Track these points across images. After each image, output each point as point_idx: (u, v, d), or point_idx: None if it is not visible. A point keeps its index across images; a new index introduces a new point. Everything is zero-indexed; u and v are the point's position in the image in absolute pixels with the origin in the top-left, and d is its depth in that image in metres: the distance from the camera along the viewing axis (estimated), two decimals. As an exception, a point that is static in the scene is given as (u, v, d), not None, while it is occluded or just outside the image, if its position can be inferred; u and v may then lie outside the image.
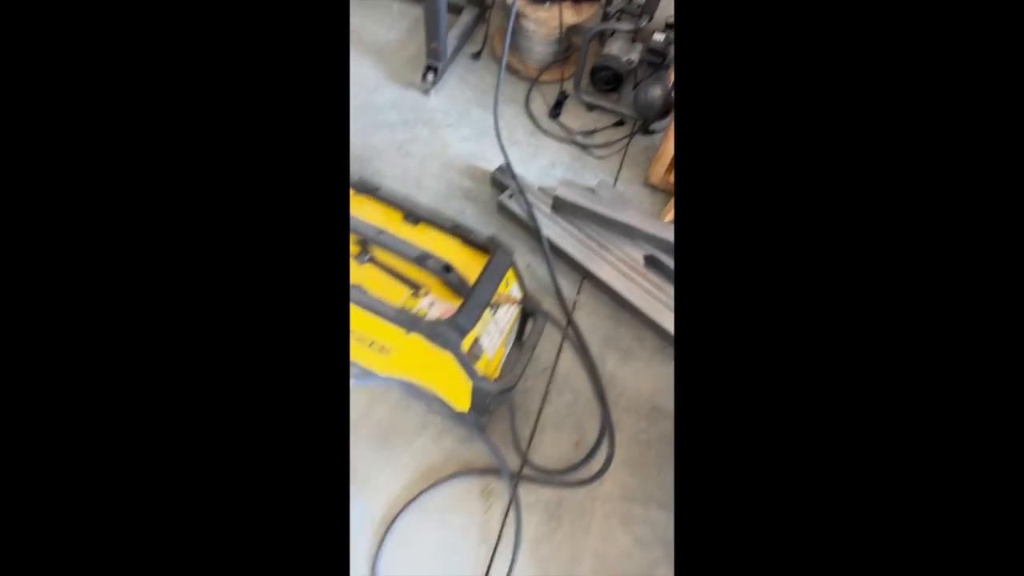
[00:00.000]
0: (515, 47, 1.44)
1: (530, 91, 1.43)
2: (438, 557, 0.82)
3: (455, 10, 1.49)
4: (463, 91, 1.41)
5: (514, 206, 1.17)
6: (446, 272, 0.71)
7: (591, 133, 1.37)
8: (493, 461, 0.89)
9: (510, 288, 0.77)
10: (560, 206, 1.16)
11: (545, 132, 1.36)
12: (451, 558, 0.82)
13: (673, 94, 1.28)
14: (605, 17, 1.33)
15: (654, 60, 1.30)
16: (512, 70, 1.46)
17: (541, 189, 1.21)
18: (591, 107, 1.41)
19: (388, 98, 1.37)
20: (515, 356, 0.80)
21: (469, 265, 0.74)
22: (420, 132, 1.32)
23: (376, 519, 0.84)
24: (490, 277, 0.70)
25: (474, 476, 0.89)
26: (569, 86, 1.44)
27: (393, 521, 0.83)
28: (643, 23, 1.27)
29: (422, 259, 0.72)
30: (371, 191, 0.81)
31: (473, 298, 0.69)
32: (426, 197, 1.21)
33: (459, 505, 0.86)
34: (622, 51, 1.33)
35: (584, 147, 1.34)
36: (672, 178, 1.23)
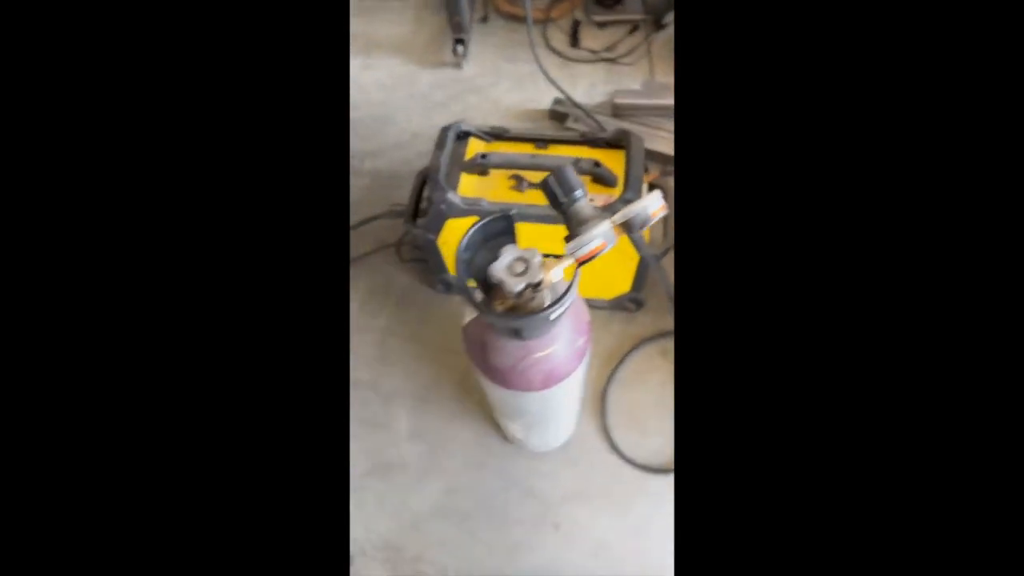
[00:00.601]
0: (515, -2, 1.55)
1: (545, 31, 1.54)
2: (652, 414, 0.98)
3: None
4: (487, 53, 1.53)
5: (580, 128, 1.30)
6: (597, 167, 0.85)
7: (613, 47, 1.49)
8: (661, 326, 1.05)
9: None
10: (620, 111, 1.29)
11: (574, 60, 1.48)
12: (662, 409, 0.99)
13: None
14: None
15: (650, -41, 1.40)
16: (520, 19, 1.58)
17: (596, 107, 1.34)
18: (603, 25, 1.53)
19: (427, 82, 1.50)
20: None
21: (608, 161, 0.88)
22: (471, 99, 1.44)
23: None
24: (634, 159, 0.84)
25: (652, 343, 1.04)
26: (579, 14, 1.55)
27: (604, 395, 1.00)
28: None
29: (573, 164, 0.86)
30: (500, 135, 0.95)
31: (630, 178, 0.83)
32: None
33: (649, 370, 1.02)
34: (616, -38, 1.44)
35: (612, 60, 1.46)
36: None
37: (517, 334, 0.54)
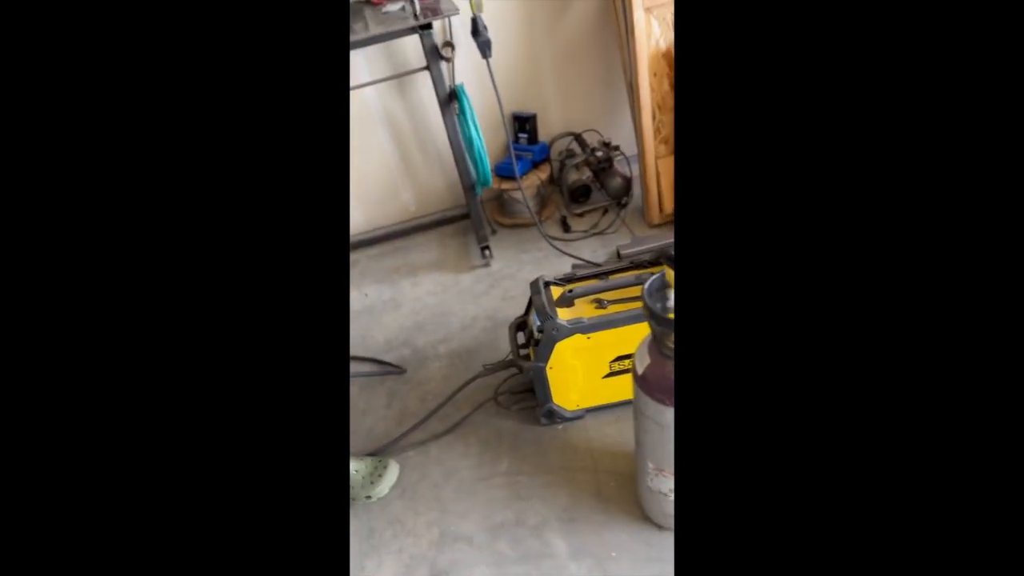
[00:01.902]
0: (509, 212, 2.07)
1: (542, 228, 2.03)
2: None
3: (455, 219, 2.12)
4: (504, 252, 1.97)
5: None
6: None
7: (596, 225, 1.98)
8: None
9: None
10: (624, 258, 1.69)
11: (572, 240, 1.94)
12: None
13: (618, 180, 1.96)
14: (561, 165, 2.04)
15: (603, 166, 2.00)
16: (522, 225, 2.08)
17: (604, 262, 1.75)
18: (582, 214, 2.05)
19: (468, 281, 1.87)
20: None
21: (656, 273, 1.22)
22: (505, 284, 1.81)
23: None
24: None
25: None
26: (563, 211, 2.08)
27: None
28: (587, 154, 1.99)
29: (642, 273, 1.18)
30: (571, 278, 1.28)
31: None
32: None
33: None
34: (580, 173, 2.02)
35: (600, 233, 1.94)
36: (656, 215, 1.85)
37: None
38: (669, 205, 1.84)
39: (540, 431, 1.31)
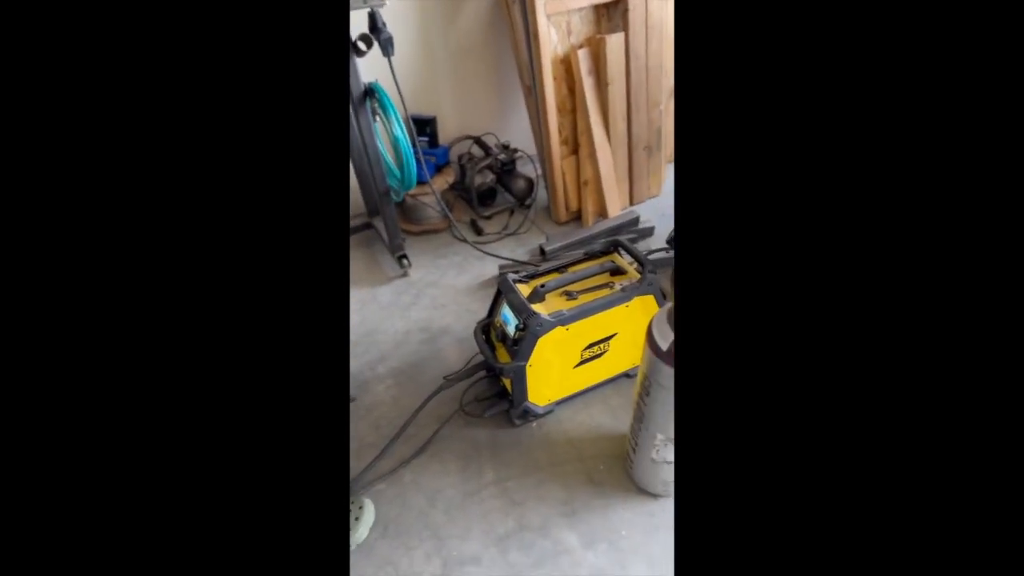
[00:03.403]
0: (416, 219, 1.99)
1: (454, 232, 1.99)
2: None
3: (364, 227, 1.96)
4: (420, 259, 1.88)
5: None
6: (614, 264, 1.24)
7: (506, 226, 2.01)
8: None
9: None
10: (549, 254, 1.75)
11: (487, 243, 1.93)
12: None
13: (522, 182, 2.03)
14: (463, 168, 2.02)
15: (506, 168, 2.04)
16: (431, 231, 2.00)
17: (526, 262, 1.78)
18: (489, 216, 2.06)
19: (388, 293, 1.74)
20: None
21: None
22: (431, 292, 1.73)
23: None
24: (635, 250, 1.26)
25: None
26: (471, 215, 2.06)
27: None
28: (490, 159, 2.00)
29: (600, 262, 1.23)
30: (534, 274, 1.28)
31: (642, 260, 1.24)
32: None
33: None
34: (483, 177, 2.03)
35: (513, 234, 1.97)
36: (563, 212, 1.96)
37: None
38: (575, 203, 1.96)
39: (517, 433, 1.29)
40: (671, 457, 1.02)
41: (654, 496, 1.13)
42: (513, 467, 1.22)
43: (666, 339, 0.87)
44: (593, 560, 1.04)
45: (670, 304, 0.91)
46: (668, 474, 1.07)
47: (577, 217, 1.99)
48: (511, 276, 1.25)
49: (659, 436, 1.00)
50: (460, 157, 2.05)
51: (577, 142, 1.88)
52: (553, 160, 1.87)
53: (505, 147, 2.05)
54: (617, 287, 1.22)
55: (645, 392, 0.97)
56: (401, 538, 1.10)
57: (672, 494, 1.13)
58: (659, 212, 1.97)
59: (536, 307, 1.17)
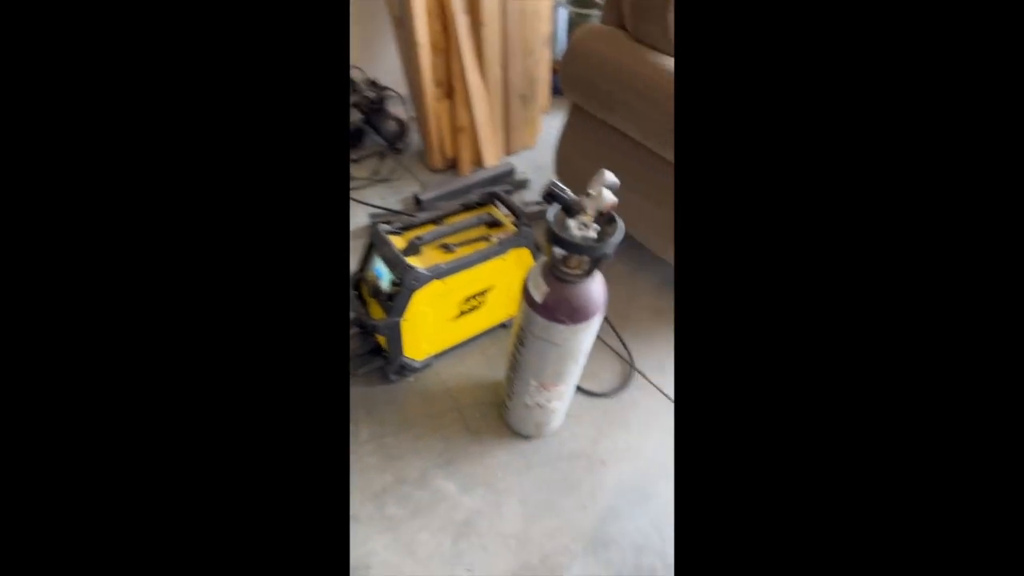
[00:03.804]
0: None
1: (316, 176, 1.81)
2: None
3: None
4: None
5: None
6: (491, 217, 1.23)
7: (376, 172, 1.88)
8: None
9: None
10: (425, 203, 1.69)
11: (356, 188, 1.79)
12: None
13: (392, 123, 1.90)
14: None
15: (375, 107, 1.88)
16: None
17: (400, 211, 1.70)
18: (358, 160, 1.90)
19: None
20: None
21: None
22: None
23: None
24: (512, 203, 1.26)
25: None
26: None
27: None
28: (355, 96, 1.82)
29: (477, 214, 1.21)
30: (410, 225, 1.22)
31: (518, 213, 1.24)
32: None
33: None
34: (350, 115, 1.86)
35: (385, 180, 1.85)
36: (438, 159, 1.89)
37: (593, 267, 0.87)
38: (450, 149, 1.89)
39: (393, 389, 1.26)
40: (543, 401, 1.08)
41: (527, 438, 1.20)
42: (389, 423, 1.20)
43: (540, 292, 0.90)
44: (470, 503, 1.09)
45: (544, 258, 0.93)
46: (540, 417, 1.13)
47: (453, 165, 1.93)
48: (383, 228, 1.17)
49: (532, 382, 1.04)
50: (322, 91, 1.85)
51: (452, 85, 1.79)
52: (426, 103, 1.76)
53: (373, 84, 1.88)
54: (494, 240, 1.22)
55: (520, 342, 1.00)
56: (268, 507, 1.03)
57: (544, 435, 1.20)
58: (534, 164, 1.99)
59: (412, 260, 1.12)
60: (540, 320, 0.91)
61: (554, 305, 0.89)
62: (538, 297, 0.90)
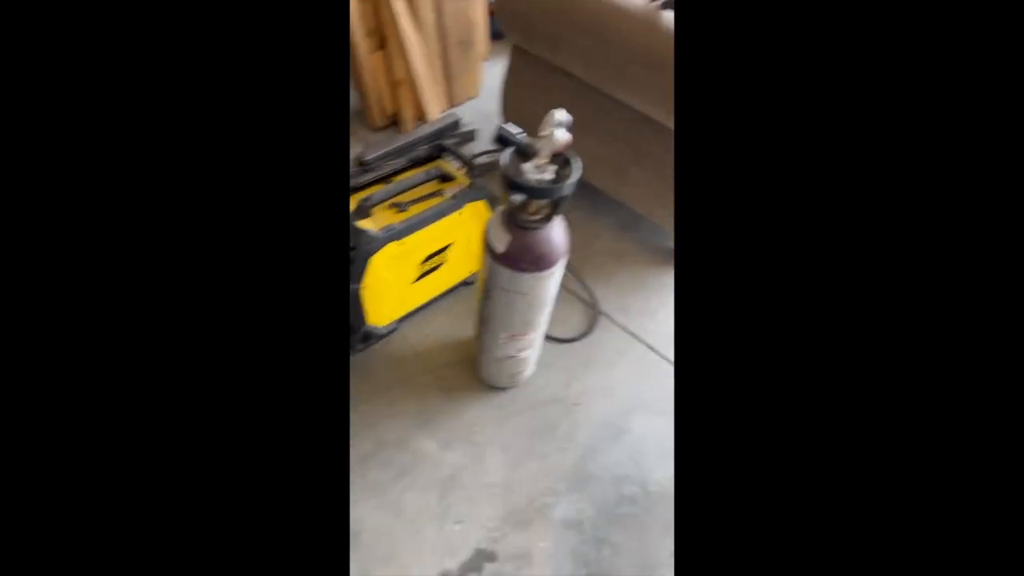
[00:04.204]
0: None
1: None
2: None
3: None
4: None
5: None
6: (441, 171, 1.18)
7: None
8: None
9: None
10: (368, 164, 1.61)
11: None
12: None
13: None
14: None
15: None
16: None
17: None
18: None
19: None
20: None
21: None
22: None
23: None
24: (462, 155, 1.21)
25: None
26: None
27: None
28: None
29: (426, 169, 1.17)
30: (358, 187, 1.16)
31: (469, 164, 1.20)
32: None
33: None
34: (277, 76, 1.72)
35: (324, 143, 1.75)
36: (378, 116, 1.80)
37: (553, 211, 0.85)
38: (390, 105, 1.79)
39: (360, 358, 1.23)
40: (514, 351, 1.09)
41: (502, 390, 1.21)
42: (362, 392, 1.18)
43: (501, 242, 0.88)
44: (452, 459, 1.10)
45: (501, 207, 0.90)
46: (513, 367, 1.14)
47: (394, 122, 1.84)
48: (329, 191, 1.11)
49: (502, 335, 1.04)
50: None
51: (384, 35, 1.68)
52: (359, 56, 1.65)
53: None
54: (448, 194, 1.18)
55: (486, 296, 0.99)
56: (246, 490, 1.01)
57: (518, 384, 1.22)
58: (481, 114, 1.92)
59: (363, 224, 1.07)
60: (504, 271, 0.90)
61: (517, 254, 0.87)
62: (500, 247, 0.88)
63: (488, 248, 0.91)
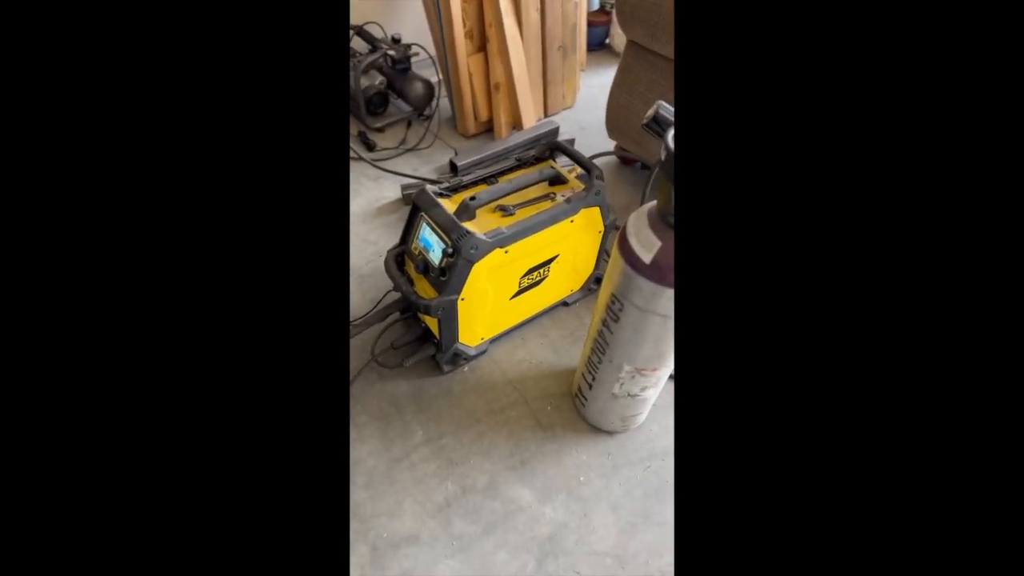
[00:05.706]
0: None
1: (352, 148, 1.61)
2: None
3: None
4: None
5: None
6: (554, 172, 1.03)
7: (405, 140, 1.68)
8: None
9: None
10: (461, 169, 1.49)
11: (384, 159, 1.60)
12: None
13: (420, 86, 1.70)
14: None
15: (400, 68, 1.67)
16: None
17: (435, 180, 1.50)
18: (382, 128, 1.71)
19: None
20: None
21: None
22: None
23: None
24: (577, 154, 1.05)
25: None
26: (359, 127, 1.68)
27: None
28: (378, 55, 1.62)
29: (540, 169, 1.01)
30: (458, 188, 1.02)
31: (587, 165, 1.03)
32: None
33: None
34: (371, 78, 1.65)
35: (413, 149, 1.65)
36: (471, 123, 1.69)
37: None
38: (484, 111, 1.68)
39: (445, 381, 1.07)
40: (635, 389, 0.89)
41: (609, 434, 1.01)
42: (446, 421, 1.01)
43: (649, 248, 0.69)
44: (552, 515, 0.90)
45: (652, 203, 0.72)
46: (628, 408, 0.94)
47: (488, 129, 1.73)
48: (431, 189, 0.98)
49: (626, 368, 0.85)
50: (339, 52, 1.64)
51: (485, 35, 1.58)
52: (457, 58, 1.56)
53: (395, 41, 1.68)
54: (560, 199, 1.02)
55: (612, 317, 0.80)
56: (313, 529, 0.85)
57: (630, 430, 1.01)
58: (577, 125, 1.78)
59: (467, 225, 0.93)
60: (646, 285, 0.71)
61: (670, 263, 0.68)
62: (646, 256, 0.70)
63: (627, 256, 0.72)
